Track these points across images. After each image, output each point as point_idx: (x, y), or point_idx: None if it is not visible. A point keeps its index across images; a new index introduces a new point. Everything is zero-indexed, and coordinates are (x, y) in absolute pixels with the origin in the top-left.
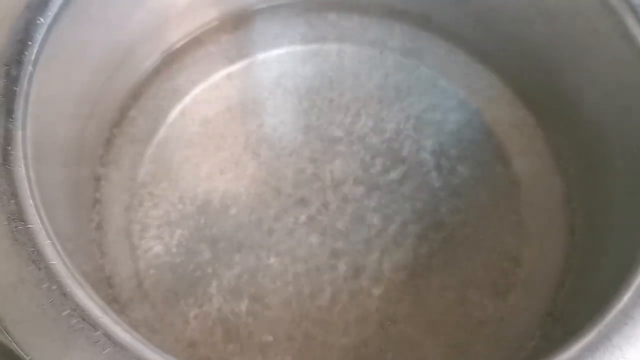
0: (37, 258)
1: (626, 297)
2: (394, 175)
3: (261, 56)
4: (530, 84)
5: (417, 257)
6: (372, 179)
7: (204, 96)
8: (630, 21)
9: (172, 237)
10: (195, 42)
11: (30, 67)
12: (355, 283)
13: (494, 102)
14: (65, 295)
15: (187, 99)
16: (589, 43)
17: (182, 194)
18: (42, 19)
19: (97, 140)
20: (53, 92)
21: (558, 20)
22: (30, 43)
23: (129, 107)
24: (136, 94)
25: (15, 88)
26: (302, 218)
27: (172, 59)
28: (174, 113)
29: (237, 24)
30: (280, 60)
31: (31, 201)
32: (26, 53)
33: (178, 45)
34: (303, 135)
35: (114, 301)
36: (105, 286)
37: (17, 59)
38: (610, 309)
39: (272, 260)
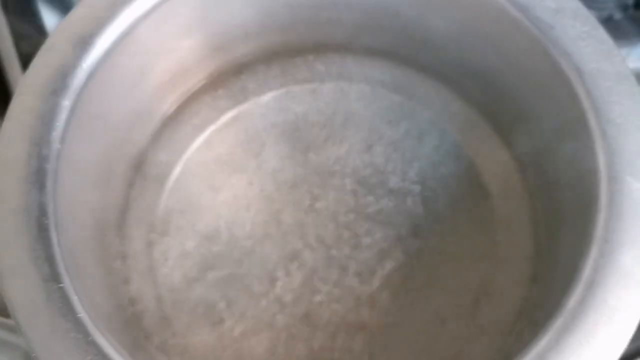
0: (66, 312)
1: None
2: (382, 204)
3: (264, 98)
4: (505, 121)
5: (403, 278)
6: (363, 208)
7: (210, 138)
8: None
9: (187, 265)
10: (203, 88)
11: (58, 145)
12: (347, 305)
13: (474, 136)
14: (88, 343)
15: (195, 143)
16: (541, 93)
17: (195, 227)
18: (67, 101)
19: (119, 187)
20: (78, 161)
21: (523, 74)
22: (57, 124)
23: (147, 152)
24: (150, 142)
25: (46, 166)
26: (299, 245)
27: (184, 106)
28: (185, 155)
29: (238, 71)
30: (279, 101)
31: (62, 263)
32: (54, 133)
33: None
34: (302, 170)
35: (139, 329)
36: (131, 318)
37: (46, 139)
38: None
39: (273, 286)
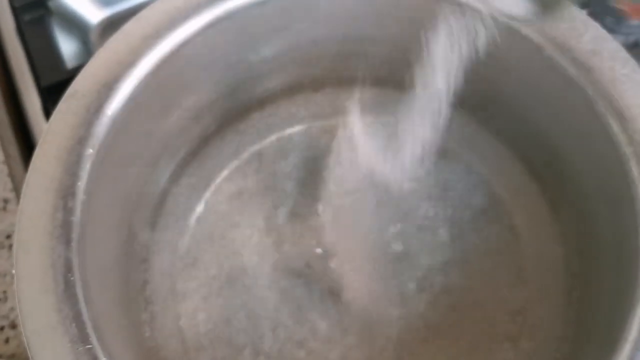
0: None
1: None
2: (410, 243)
3: (286, 134)
4: (537, 160)
5: (430, 321)
6: (390, 247)
7: (232, 175)
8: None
9: (209, 308)
10: (226, 124)
11: (83, 196)
12: (374, 349)
13: (504, 173)
14: None
15: (217, 181)
16: (581, 138)
17: (216, 269)
18: (91, 150)
19: (142, 230)
20: (102, 209)
21: (556, 111)
22: (82, 173)
23: (168, 191)
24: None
25: (71, 218)
26: (324, 288)
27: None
28: (207, 193)
29: (260, 107)
30: (302, 136)
31: (90, 322)
32: (79, 183)
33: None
34: (327, 208)
35: None
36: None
37: (72, 191)
38: None
39: (300, 328)
